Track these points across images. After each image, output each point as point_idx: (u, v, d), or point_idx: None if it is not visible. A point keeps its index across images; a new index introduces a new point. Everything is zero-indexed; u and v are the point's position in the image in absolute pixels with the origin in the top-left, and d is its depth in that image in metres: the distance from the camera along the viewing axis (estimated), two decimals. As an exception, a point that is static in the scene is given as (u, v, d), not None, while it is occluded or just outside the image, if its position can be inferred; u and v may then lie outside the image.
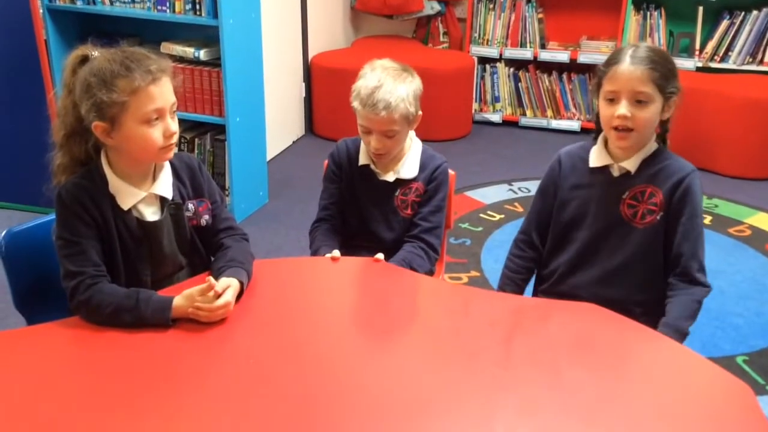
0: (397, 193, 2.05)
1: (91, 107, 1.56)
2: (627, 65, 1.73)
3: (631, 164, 1.82)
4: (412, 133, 2.06)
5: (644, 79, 1.72)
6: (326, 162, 2.14)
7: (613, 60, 1.77)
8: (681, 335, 1.72)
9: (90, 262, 1.60)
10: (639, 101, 1.73)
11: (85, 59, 1.61)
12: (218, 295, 1.55)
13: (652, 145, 1.83)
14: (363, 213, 2.09)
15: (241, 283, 1.64)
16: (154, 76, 1.57)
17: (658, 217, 1.81)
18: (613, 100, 1.76)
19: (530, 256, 2.00)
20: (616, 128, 1.76)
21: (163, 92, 1.59)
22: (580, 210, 1.89)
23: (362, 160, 2.07)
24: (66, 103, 1.62)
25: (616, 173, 1.85)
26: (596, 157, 1.87)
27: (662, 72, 1.73)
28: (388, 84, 1.91)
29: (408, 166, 2.05)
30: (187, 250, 1.79)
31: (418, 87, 1.99)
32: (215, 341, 1.53)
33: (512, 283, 2.01)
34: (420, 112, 1.99)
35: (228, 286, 1.59)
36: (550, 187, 1.95)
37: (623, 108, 1.73)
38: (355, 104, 1.95)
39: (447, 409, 1.34)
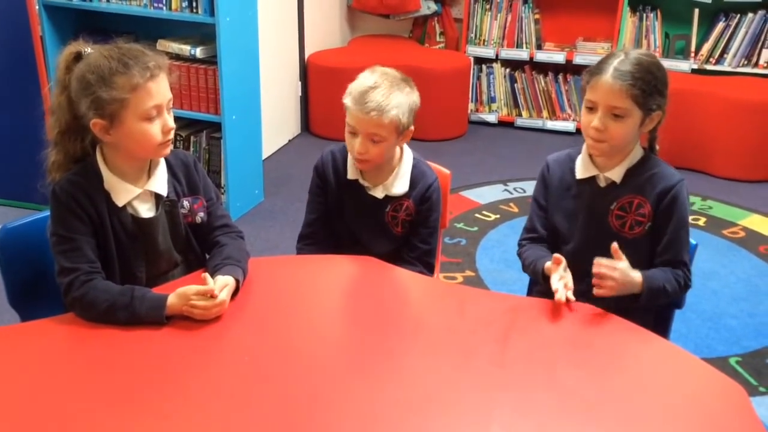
0: (387, 210, 1.99)
1: (90, 105, 1.56)
2: (607, 78, 1.71)
3: (616, 174, 1.82)
4: (405, 147, 2.01)
5: (622, 95, 1.70)
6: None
7: (597, 69, 1.75)
8: (654, 290, 1.73)
9: (85, 258, 1.60)
10: (615, 115, 1.73)
11: (78, 56, 1.60)
12: (215, 297, 1.55)
13: (637, 154, 1.82)
14: (352, 227, 2.04)
15: (237, 281, 1.64)
16: (152, 73, 1.57)
17: (646, 228, 1.80)
18: (591, 109, 1.76)
19: (540, 241, 1.94)
20: (591, 137, 1.77)
21: (161, 88, 1.60)
22: (569, 222, 1.88)
23: (351, 174, 1.99)
24: (61, 101, 1.62)
25: (602, 183, 1.84)
26: (582, 168, 1.86)
27: (643, 88, 1.71)
28: (384, 88, 1.85)
29: (398, 182, 1.98)
30: (182, 248, 1.78)
31: (415, 101, 1.90)
32: (210, 339, 1.53)
33: (538, 260, 1.85)
34: (412, 128, 1.92)
35: (225, 285, 1.60)
36: (544, 194, 1.94)
37: (597, 120, 1.74)
38: (347, 101, 1.87)
39: (443, 407, 1.35)
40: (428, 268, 2.02)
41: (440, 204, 2.04)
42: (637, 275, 1.70)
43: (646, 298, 1.72)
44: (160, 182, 1.70)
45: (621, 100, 1.71)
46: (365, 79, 1.89)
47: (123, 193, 1.65)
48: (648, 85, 1.72)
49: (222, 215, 1.83)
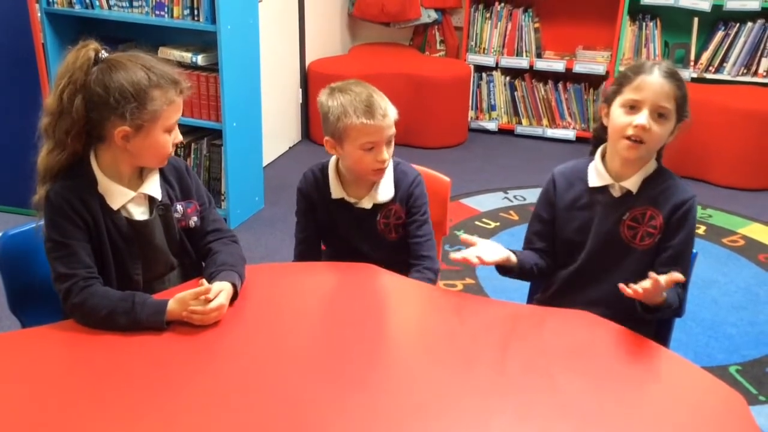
0: (378, 218, 1.99)
1: (128, 114, 1.56)
2: (656, 77, 1.71)
3: (632, 184, 1.79)
4: None
5: (670, 94, 1.71)
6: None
7: (640, 69, 1.74)
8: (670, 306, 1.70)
9: (81, 263, 1.60)
10: (660, 115, 1.71)
11: (96, 58, 1.59)
12: (210, 300, 1.56)
13: (652, 165, 1.81)
14: (347, 239, 2.03)
15: (234, 286, 1.64)
16: (182, 88, 1.62)
17: (656, 240, 1.79)
18: (633, 108, 1.72)
19: (539, 252, 1.94)
20: (629, 137, 1.72)
21: (183, 103, 1.66)
22: (581, 231, 1.85)
23: (335, 193, 1.98)
24: (76, 102, 1.57)
25: (617, 193, 1.81)
26: (596, 176, 1.83)
27: (684, 93, 1.73)
28: (370, 90, 1.87)
29: (383, 189, 1.97)
30: (177, 251, 1.79)
31: None
32: (209, 344, 1.53)
33: (523, 258, 1.88)
34: None
35: (221, 290, 1.60)
36: (547, 208, 1.91)
37: (643, 118, 1.70)
38: (361, 121, 1.83)
39: (442, 414, 1.35)
40: (429, 261, 2.00)
41: (425, 195, 2.02)
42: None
43: (661, 313, 1.71)
44: (154, 186, 1.71)
45: (668, 99, 1.71)
46: (348, 95, 1.87)
47: (118, 196, 1.66)
48: (685, 91, 1.75)
49: (215, 219, 1.83)
